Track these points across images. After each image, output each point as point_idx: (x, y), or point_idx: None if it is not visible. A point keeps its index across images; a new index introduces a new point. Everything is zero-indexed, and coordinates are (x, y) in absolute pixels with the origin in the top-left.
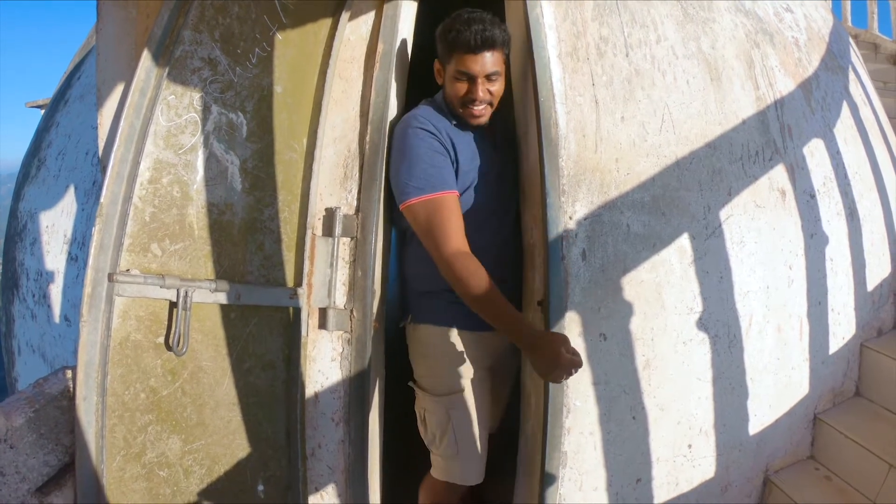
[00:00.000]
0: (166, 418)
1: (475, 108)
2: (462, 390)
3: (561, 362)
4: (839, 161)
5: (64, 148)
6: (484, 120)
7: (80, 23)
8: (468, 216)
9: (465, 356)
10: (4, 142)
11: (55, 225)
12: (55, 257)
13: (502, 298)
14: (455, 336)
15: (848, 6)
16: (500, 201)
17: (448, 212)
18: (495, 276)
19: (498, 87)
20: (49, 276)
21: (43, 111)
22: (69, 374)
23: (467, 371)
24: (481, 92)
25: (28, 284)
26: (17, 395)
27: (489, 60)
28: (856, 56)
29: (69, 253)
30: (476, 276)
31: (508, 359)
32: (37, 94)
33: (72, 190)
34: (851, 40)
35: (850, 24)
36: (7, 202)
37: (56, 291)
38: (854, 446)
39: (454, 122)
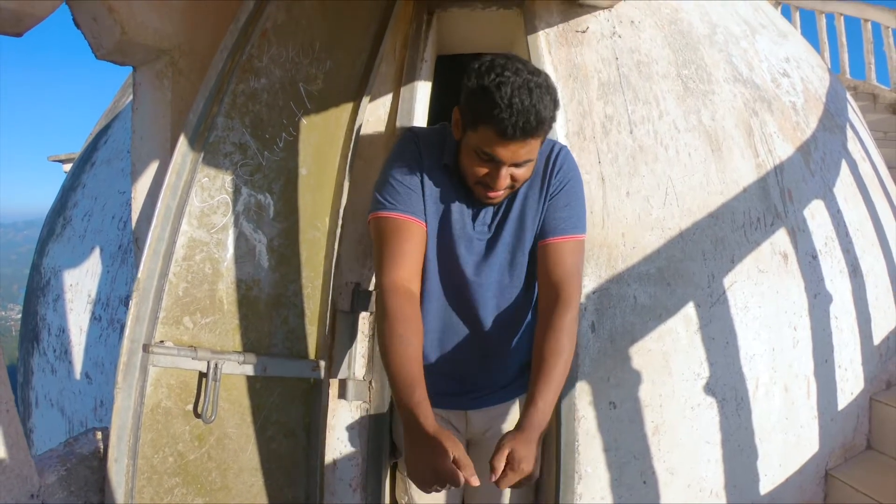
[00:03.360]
0: (192, 481)
1: (490, 192)
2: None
3: (425, 477)
4: (840, 220)
5: (90, 210)
6: (498, 202)
7: (104, 76)
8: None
9: None
10: (24, 192)
11: (79, 284)
12: (78, 315)
13: (410, 362)
14: None
15: (846, 58)
16: (461, 266)
17: (403, 238)
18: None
19: (526, 171)
20: (71, 333)
21: (64, 166)
22: (98, 435)
23: None
24: (502, 180)
25: (49, 339)
26: (49, 452)
27: (524, 149)
28: (854, 112)
29: (93, 312)
30: (396, 321)
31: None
32: (58, 149)
33: (97, 252)
34: (849, 94)
35: (848, 75)
36: (25, 248)
37: (78, 349)
38: (867, 501)
39: (445, 162)
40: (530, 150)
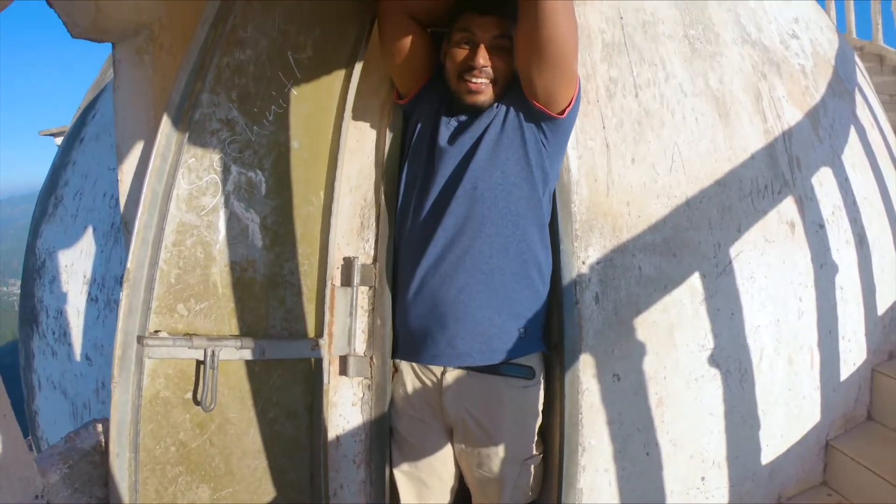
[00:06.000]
0: (195, 469)
1: (473, 79)
2: (393, 435)
3: None
4: (848, 189)
5: (81, 188)
6: (483, 99)
7: (93, 52)
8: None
9: (401, 393)
10: (18, 167)
11: (74, 265)
12: (75, 297)
13: None
14: (399, 369)
15: (852, 19)
16: (445, 200)
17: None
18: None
19: (503, 63)
20: (69, 315)
21: (56, 139)
22: (99, 427)
23: (402, 411)
24: (482, 59)
25: (48, 322)
26: (51, 449)
27: (498, 26)
28: (862, 76)
29: (89, 293)
30: None
31: (485, 409)
32: (50, 123)
33: (90, 231)
34: (857, 56)
35: (854, 36)
36: (21, 222)
37: (76, 331)
38: (866, 472)
39: (446, 104)
40: (504, 28)
